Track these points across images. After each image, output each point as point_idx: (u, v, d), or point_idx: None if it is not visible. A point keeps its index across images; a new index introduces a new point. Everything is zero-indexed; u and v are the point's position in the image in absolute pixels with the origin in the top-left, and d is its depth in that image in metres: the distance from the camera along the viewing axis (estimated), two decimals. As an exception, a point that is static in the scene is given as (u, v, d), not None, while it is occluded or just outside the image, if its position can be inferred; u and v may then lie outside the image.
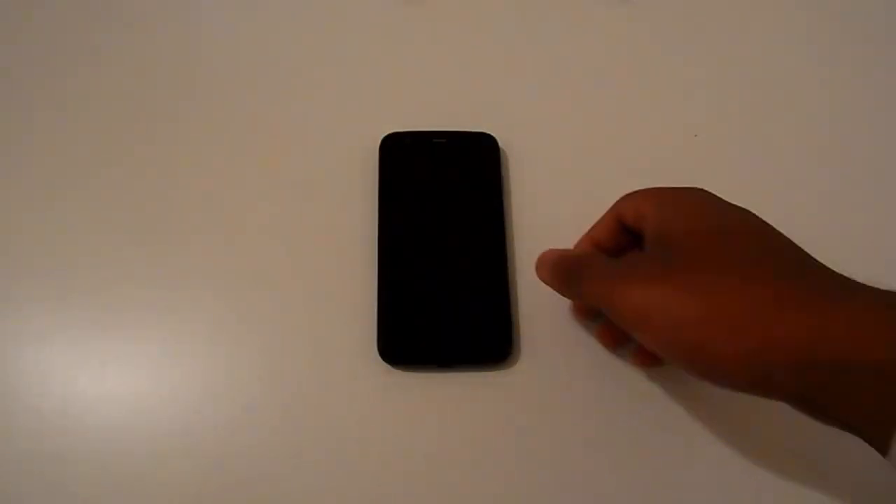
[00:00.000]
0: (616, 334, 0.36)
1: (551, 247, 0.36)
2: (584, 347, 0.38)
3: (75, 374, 0.38)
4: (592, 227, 0.36)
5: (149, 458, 0.36)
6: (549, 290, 0.35)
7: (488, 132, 0.42)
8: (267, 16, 0.48)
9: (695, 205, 0.31)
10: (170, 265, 0.40)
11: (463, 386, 0.37)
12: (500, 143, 0.42)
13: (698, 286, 0.28)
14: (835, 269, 0.28)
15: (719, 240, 0.29)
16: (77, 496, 0.35)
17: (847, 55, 0.45)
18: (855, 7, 0.46)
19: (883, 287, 0.26)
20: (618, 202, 0.34)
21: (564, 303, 0.38)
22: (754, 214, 0.31)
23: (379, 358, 0.37)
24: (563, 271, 0.34)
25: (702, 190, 0.32)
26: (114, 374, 0.38)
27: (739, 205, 0.31)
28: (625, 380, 0.37)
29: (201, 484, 0.35)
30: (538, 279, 0.35)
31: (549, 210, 0.41)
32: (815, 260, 0.29)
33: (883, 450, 0.25)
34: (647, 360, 0.36)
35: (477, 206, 0.40)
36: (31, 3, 0.48)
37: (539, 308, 0.38)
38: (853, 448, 0.27)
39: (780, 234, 0.30)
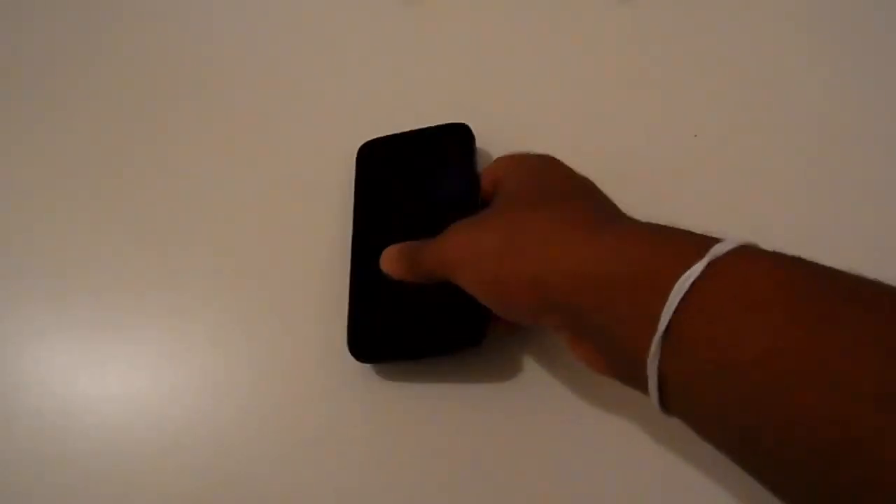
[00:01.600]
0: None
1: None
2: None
3: (75, 374, 0.38)
4: None
5: (149, 458, 0.36)
6: None
7: (468, 124, 0.41)
8: (260, 18, 0.48)
9: (535, 166, 0.34)
10: (170, 264, 0.40)
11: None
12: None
13: (501, 223, 0.31)
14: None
15: (536, 189, 0.33)
16: (77, 496, 0.35)
17: (847, 55, 0.45)
18: (855, 7, 0.46)
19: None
20: (483, 171, 0.37)
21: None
22: (591, 182, 0.33)
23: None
24: (405, 256, 0.35)
25: (551, 157, 0.35)
26: (114, 374, 0.38)
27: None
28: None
29: (201, 484, 0.35)
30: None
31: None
32: (612, 209, 0.32)
33: (643, 386, 0.26)
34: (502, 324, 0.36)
35: (453, 198, 0.38)
36: (29, 5, 0.48)
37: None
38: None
39: (600, 194, 0.33)
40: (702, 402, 0.25)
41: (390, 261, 0.35)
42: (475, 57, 0.46)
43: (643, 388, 0.26)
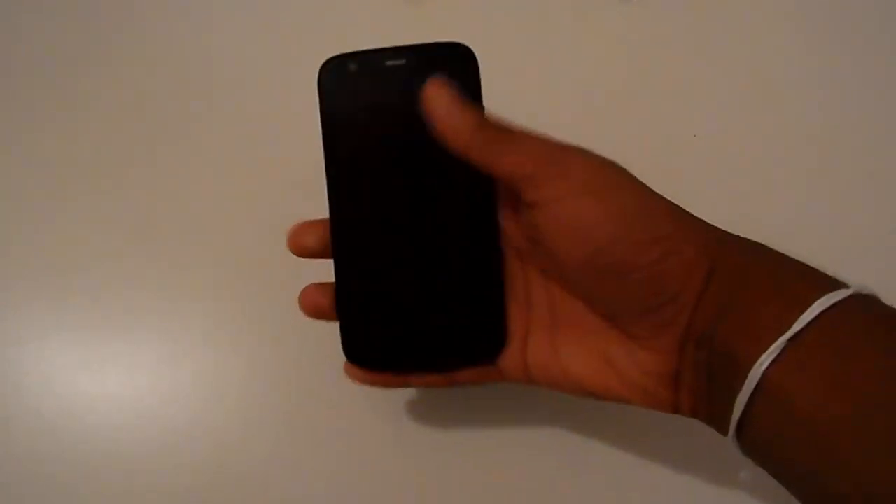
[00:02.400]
0: None
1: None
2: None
3: (75, 375, 0.38)
4: None
5: (149, 458, 0.36)
6: None
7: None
8: (260, 18, 0.48)
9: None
10: (169, 265, 0.40)
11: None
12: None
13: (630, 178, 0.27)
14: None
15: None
16: (77, 496, 0.35)
17: (847, 55, 0.45)
18: (855, 7, 0.46)
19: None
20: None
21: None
22: None
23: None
24: (474, 123, 0.27)
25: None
26: (114, 374, 0.38)
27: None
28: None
29: (201, 483, 0.35)
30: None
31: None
32: None
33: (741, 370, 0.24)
34: None
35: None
36: (28, 4, 0.48)
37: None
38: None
39: None
40: (804, 414, 0.23)
41: (449, 111, 0.27)
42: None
43: (722, 408, 0.25)
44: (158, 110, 0.45)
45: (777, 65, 0.45)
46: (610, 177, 0.27)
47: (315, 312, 0.31)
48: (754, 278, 0.26)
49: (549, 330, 0.30)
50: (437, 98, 0.27)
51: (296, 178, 0.43)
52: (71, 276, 0.40)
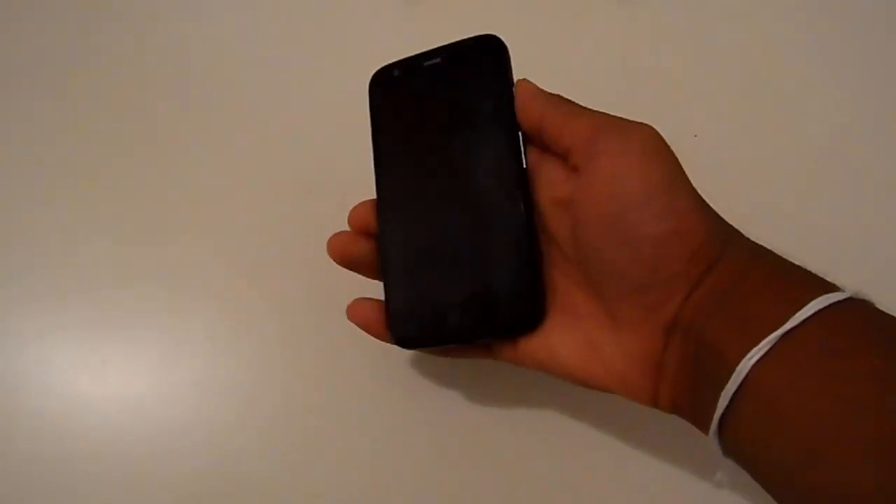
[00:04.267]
0: None
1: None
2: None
3: (76, 374, 0.38)
4: None
5: (149, 458, 0.36)
6: None
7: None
8: (260, 17, 0.48)
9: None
10: (170, 264, 0.40)
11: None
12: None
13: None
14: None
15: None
16: (78, 496, 0.35)
17: (847, 54, 0.45)
18: (855, 7, 0.46)
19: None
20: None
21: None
22: None
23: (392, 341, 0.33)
24: (549, 99, 0.31)
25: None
26: (114, 374, 0.38)
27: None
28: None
29: (201, 484, 0.35)
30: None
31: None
32: None
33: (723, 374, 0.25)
34: None
35: (489, 133, 0.32)
36: (28, 4, 0.48)
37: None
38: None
39: None
40: (787, 414, 0.23)
41: (533, 93, 0.31)
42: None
43: (705, 403, 0.25)
44: (159, 110, 0.45)
45: (777, 64, 0.45)
46: (660, 149, 0.28)
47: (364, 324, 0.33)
48: (752, 277, 0.26)
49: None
50: (523, 85, 0.32)
51: (297, 178, 0.43)
52: (71, 275, 0.40)
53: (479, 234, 0.31)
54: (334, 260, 0.33)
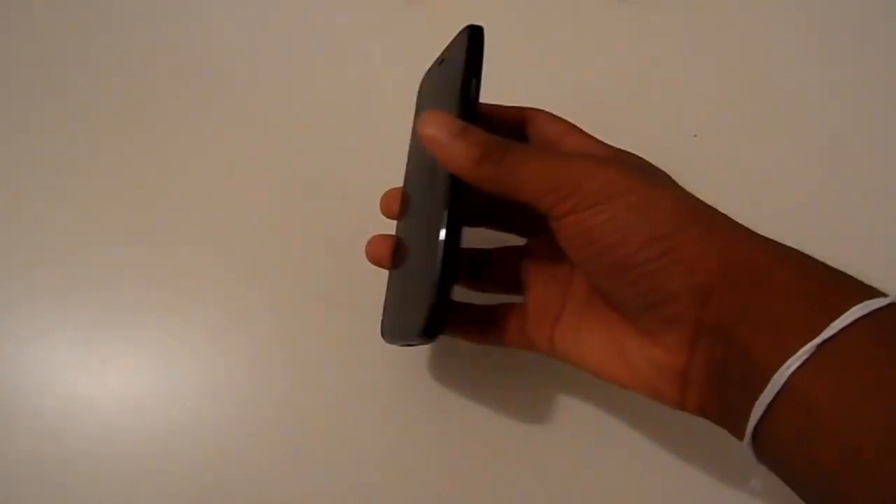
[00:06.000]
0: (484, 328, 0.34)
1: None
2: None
3: (75, 374, 0.38)
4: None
5: (149, 458, 0.36)
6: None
7: None
8: (261, 18, 0.48)
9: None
10: (170, 264, 0.40)
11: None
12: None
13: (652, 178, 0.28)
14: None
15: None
16: (77, 496, 0.35)
17: (847, 54, 0.45)
18: (855, 7, 0.46)
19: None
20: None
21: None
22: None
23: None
24: (485, 148, 0.27)
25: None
26: (113, 374, 0.38)
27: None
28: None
29: (201, 483, 0.35)
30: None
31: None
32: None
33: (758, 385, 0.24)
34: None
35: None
36: (28, 4, 0.48)
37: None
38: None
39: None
40: (828, 424, 0.23)
41: (446, 149, 0.28)
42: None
43: (742, 411, 0.25)
44: (159, 109, 0.45)
45: (777, 64, 0.45)
46: (613, 185, 0.27)
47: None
48: (781, 280, 0.25)
49: (579, 313, 0.31)
50: (430, 138, 0.28)
51: (298, 178, 0.43)
52: (71, 275, 0.40)
53: (418, 246, 0.31)
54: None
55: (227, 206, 0.42)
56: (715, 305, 0.26)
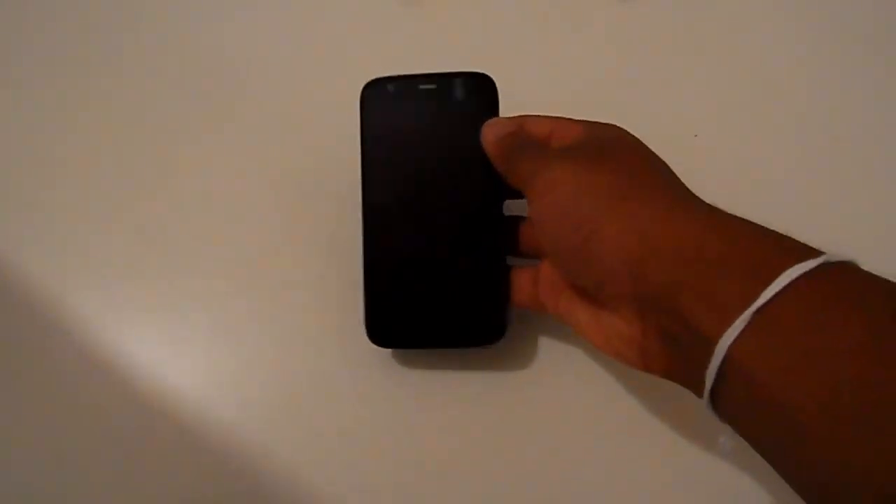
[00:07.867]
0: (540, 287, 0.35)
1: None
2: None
3: (76, 374, 0.38)
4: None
5: (150, 459, 0.36)
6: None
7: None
8: (259, 18, 0.48)
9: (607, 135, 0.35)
10: (170, 264, 0.40)
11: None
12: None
13: (616, 166, 0.30)
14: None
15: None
16: (78, 496, 0.35)
17: (847, 54, 0.45)
18: (855, 6, 0.46)
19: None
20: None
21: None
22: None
23: (369, 340, 0.36)
24: (512, 138, 0.34)
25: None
26: (115, 374, 0.38)
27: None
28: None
29: (202, 484, 0.35)
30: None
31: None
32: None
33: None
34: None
35: (471, 164, 0.35)
36: (30, 4, 0.48)
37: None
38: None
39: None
40: (769, 394, 0.23)
41: (495, 135, 0.34)
42: (475, 57, 0.46)
43: (698, 377, 0.25)
44: (163, 108, 0.45)
45: (777, 64, 0.45)
46: (559, 175, 0.30)
47: None
48: (714, 251, 0.25)
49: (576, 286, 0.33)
50: (489, 124, 0.35)
51: (299, 179, 0.43)
52: (71, 275, 0.40)
53: (456, 258, 0.35)
54: None
55: (228, 207, 0.42)
56: (649, 280, 0.27)
